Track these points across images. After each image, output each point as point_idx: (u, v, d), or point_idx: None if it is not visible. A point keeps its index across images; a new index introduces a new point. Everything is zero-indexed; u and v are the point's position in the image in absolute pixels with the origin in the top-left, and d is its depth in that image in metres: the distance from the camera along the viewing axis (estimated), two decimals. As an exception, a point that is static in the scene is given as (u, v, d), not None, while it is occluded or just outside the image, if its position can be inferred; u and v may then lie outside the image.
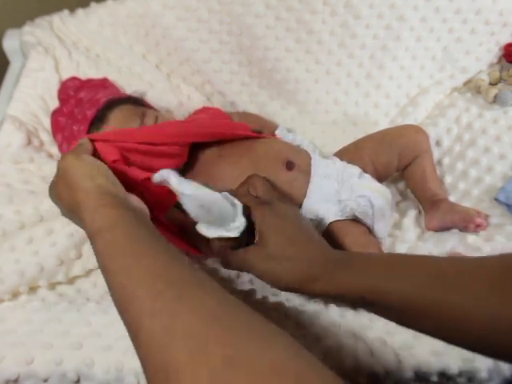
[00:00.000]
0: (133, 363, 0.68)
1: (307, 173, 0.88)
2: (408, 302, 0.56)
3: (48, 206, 0.85)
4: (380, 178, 0.93)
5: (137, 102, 0.96)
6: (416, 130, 0.95)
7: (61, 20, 1.14)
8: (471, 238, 0.89)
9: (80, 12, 1.15)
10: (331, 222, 0.85)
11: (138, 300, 0.49)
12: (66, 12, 1.16)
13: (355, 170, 0.91)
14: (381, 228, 0.88)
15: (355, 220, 0.86)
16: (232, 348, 0.43)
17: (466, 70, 1.10)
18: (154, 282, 0.49)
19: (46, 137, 1.01)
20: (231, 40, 1.10)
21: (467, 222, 0.89)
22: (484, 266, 0.54)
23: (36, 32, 1.11)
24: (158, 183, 0.63)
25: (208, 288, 0.51)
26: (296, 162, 0.88)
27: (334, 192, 0.87)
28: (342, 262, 0.63)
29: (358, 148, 0.95)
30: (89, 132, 0.92)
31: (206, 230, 0.68)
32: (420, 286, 0.55)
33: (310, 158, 0.91)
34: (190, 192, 0.63)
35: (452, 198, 0.96)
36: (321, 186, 0.86)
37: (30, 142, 0.96)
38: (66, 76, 1.07)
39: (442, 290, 0.53)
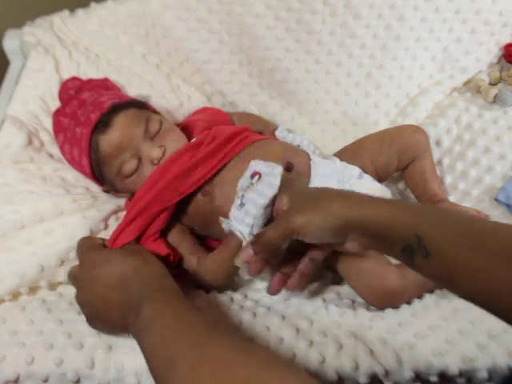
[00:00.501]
0: (133, 363, 0.68)
1: (306, 173, 0.88)
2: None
3: (48, 206, 0.85)
4: (380, 178, 0.93)
5: (141, 107, 0.95)
6: (416, 130, 0.95)
7: (61, 20, 1.13)
8: (471, 238, 0.89)
9: (80, 12, 1.15)
10: None
11: (181, 338, 0.57)
12: (66, 12, 1.16)
13: (355, 170, 0.91)
14: None
15: None
16: (249, 370, 0.50)
17: (465, 70, 1.10)
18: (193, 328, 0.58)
19: (46, 137, 1.00)
20: (231, 40, 1.10)
21: (467, 223, 0.89)
22: None
23: (36, 32, 1.11)
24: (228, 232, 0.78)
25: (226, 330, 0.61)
26: (295, 163, 0.87)
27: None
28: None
29: (357, 148, 0.95)
30: (92, 136, 0.90)
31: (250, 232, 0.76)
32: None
33: (310, 159, 0.91)
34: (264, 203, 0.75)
35: (452, 198, 0.96)
36: (320, 186, 0.86)
37: (30, 143, 0.96)
38: (66, 76, 1.06)
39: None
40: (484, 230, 0.55)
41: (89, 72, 1.09)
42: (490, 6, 1.05)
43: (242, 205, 0.78)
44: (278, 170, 0.78)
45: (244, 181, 0.81)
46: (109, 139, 0.89)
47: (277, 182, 0.77)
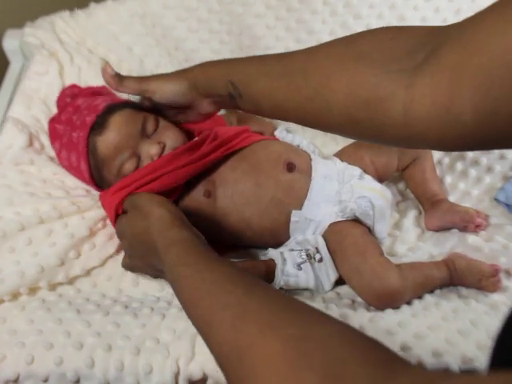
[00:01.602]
0: (133, 363, 0.69)
1: (308, 174, 0.88)
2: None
3: (47, 207, 0.85)
4: (380, 178, 0.93)
5: (136, 106, 0.92)
6: None
7: (63, 20, 1.13)
8: (471, 238, 0.89)
9: (80, 12, 1.15)
10: (331, 223, 0.85)
11: (210, 297, 0.56)
12: (66, 13, 1.16)
13: (356, 170, 0.91)
14: (381, 228, 0.88)
15: (355, 220, 0.86)
16: (300, 329, 0.47)
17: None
18: (224, 283, 0.57)
19: (46, 140, 0.99)
20: (231, 40, 1.10)
21: (467, 222, 0.89)
22: None
23: (38, 34, 1.11)
24: None
25: (265, 286, 0.58)
26: (296, 164, 0.88)
27: (335, 193, 0.87)
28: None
29: (358, 149, 0.95)
30: (88, 138, 0.88)
31: None
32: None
33: (311, 159, 0.91)
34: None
35: (452, 198, 0.96)
36: (321, 187, 0.87)
37: (31, 144, 0.96)
38: (68, 81, 1.06)
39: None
40: (273, 58, 0.69)
41: (89, 78, 1.07)
42: (469, 5, 1.05)
43: (299, 267, 0.82)
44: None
45: (306, 244, 0.85)
46: (106, 140, 0.87)
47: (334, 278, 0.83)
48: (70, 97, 0.99)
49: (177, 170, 0.84)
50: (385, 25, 1.03)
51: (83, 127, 0.88)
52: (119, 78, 0.85)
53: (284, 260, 0.82)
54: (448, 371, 0.66)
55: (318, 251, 0.85)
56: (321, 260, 0.84)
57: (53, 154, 0.99)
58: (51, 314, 0.75)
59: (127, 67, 1.10)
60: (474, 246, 0.88)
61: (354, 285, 0.80)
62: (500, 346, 0.41)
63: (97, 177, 0.91)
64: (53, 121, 0.97)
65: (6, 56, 1.19)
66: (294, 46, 1.07)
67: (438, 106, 0.49)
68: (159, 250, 0.68)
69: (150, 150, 0.87)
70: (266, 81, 0.67)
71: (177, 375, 0.68)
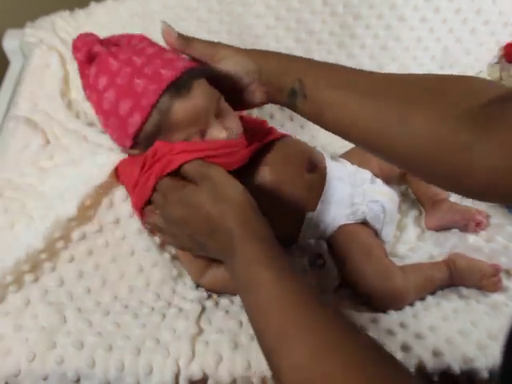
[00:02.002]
0: (133, 363, 0.68)
1: (324, 175, 0.86)
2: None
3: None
4: (385, 179, 0.93)
5: (210, 77, 0.79)
6: None
7: (63, 20, 1.13)
8: (471, 238, 0.89)
9: (80, 12, 1.15)
10: (341, 225, 0.85)
11: (290, 310, 0.54)
12: (66, 12, 1.16)
13: (367, 174, 0.90)
14: (388, 232, 0.88)
15: (364, 223, 0.86)
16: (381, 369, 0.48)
17: (466, 71, 1.10)
18: (308, 300, 0.56)
19: (60, 132, 0.95)
20: (231, 40, 1.09)
21: (467, 220, 0.89)
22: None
23: (38, 33, 1.10)
24: None
25: (344, 318, 0.56)
26: (316, 164, 0.86)
27: (348, 195, 0.86)
28: None
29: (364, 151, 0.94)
30: (162, 95, 0.73)
31: None
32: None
33: (325, 159, 0.89)
34: None
35: (452, 199, 0.96)
36: (335, 189, 0.85)
37: (47, 142, 0.94)
38: (72, 72, 1.05)
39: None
40: (350, 73, 0.67)
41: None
42: (490, 5, 1.05)
43: (304, 270, 0.83)
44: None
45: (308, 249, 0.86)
46: (185, 106, 0.74)
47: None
48: (118, 37, 0.83)
49: (243, 150, 0.78)
50: (385, 25, 1.04)
51: (157, 80, 0.73)
52: (186, 39, 0.76)
53: None
54: None
55: (320, 257, 0.85)
56: (323, 266, 0.84)
57: (68, 143, 0.93)
58: (53, 310, 0.75)
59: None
60: (474, 246, 0.88)
61: (357, 286, 0.80)
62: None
63: (145, 138, 0.76)
64: (107, 53, 0.77)
65: (6, 56, 1.18)
66: (294, 46, 1.07)
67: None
68: (234, 240, 0.63)
69: (219, 134, 0.77)
70: (338, 92, 0.64)
71: (177, 375, 0.67)
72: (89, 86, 0.79)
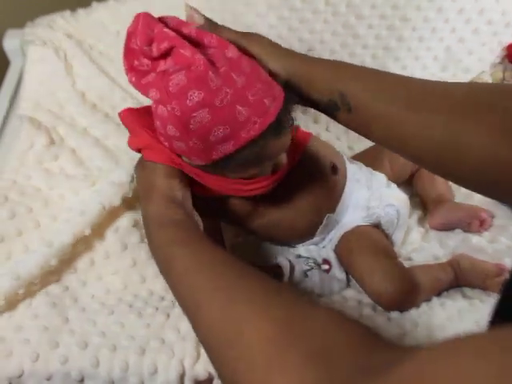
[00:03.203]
0: (137, 363, 0.68)
1: (345, 177, 0.85)
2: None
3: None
4: (396, 181, 0.93)
5: None
6: None
7: (64, 19, 1.13)
8: (475, 239, 0.89)
9: (81, 12, 1.14)
10: (354, 226, 0.85)
11: (200, 277, 0.55)
12: (67, 12, 1.16)
13: (382, 177, 0.90)
14: (398, 236, 0.89)
15: (376, 226, 0.86)
16: (289, 311, 0.47)
17: (468, 70, 1.10)
18: (216, 265, 0.56)
19: (64, 131, 0.96)
20: (233, 39, 1.09)
21: (471, 218, 0.89)
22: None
23: (38, 32, 1.10)
24: None
25: (257, 271, 0.56)
26: (338, 166, 0.84)
27: (364, 198, 0.86)
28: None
29: (377, 154, 0.94)
30: (264, 132, 0.64)
31: None
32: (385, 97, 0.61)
33: (344, 161, 0.87)
34: None
35: (455, 200, 0.96)
36: (352, 191, 0.85)
37: (52, 142, 0.94)
38: (72, 62, 1.04)
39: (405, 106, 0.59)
40: (398, 83, 0.62)
41: (85, 69, 1.07)
42: (493, 5, 1.05)
43: (305, 275, 0.83)
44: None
45: (315, 254, 0.86)
46: (281, 144, 0.69)
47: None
48: (213, 39, 0.66)
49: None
50: (387, 25, 1.04)
51: (261, 113, 0.63)
52: (214, 26, 0.71)
53: (292, 268, 0.82)
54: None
55: (325, 262, 0.84)
56: (328, 271, 0.84)
57: (74, 144, 0.94)
58: (57, 311, 0.74)
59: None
60: (477, 247, 0.88)
61: (365, 286, 0.80)
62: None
63: (224, 163, 0.67)
64: (206, 64, 0.61)
65: (6, 56, 1.18)
66: (296, 46, 1.07)
67: None
68: (150, 226, 0.66)
69: (284, 161, 0.73)
70: (390, 108, 0.60)
71: (182, 375, 0.67)
72: (167, 96, 0.63)
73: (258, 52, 0.67)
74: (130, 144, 0.73)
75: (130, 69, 0.67)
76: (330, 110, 0.65)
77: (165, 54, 0.64)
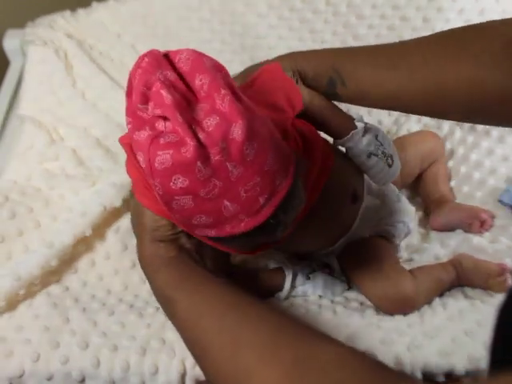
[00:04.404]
0: (138, 363, 0.68)
1: (362, 198, 0.81)
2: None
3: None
4: (402, 186, 0.93)
5: None
6: (433, 136, 0.97)
7: (63, 19, 1.13)
8: (475, 239, 0.89)
9: (81, 12, 1.14)
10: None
11: (203, 320, 0.54)
12: (67, 12, 1.16)
13: (393, 189, 0.87)
14: (402, 244, 0.89)
15: (384, 236, 0.85)
16: (298, 351, 0.46)
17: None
18: (218, 305, 0.56)
19: (64, 130, 0.96)
20: (233, 39, 1.09)
21: (472, 218, 0.89)
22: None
23: (39, 32, 1.10)
24: None
25: (260, 305, 0.55)
26: (359, 193, 0.80)
27: (377, 215, 0.84)
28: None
29: None
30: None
31: None
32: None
33: (363, 180, 0.82)
34: None
35: (456, 201, 0.96)
36: (367, 210, 0.82)
37: (52, 140, 0.94)
38: (72, 61, 1.04)
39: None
40: (384, 49, 0.70)
41: (85, 69, 1.07)
42: (493, 5, 1.05)
43: (307, 277, 0.82)
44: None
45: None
46: (275, 238, 0.60)
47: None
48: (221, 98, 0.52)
49: None
50: (387, 25, 1.04)
51: (254, 215, 0.55)
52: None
53: (294, 270, 0.82)
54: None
55: (326, 266, 0.85)
56: (330, 274, 0.84)
57: (74, 144, 0.94)
58: (57, 311, 0.74)
59: (130, 63, 1.10)
60: (478, 247, 0.88)
61: (367, 291, 0.80)
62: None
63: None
64: (196, 151, 0.50)
65: (6, 56, 1.18)
66: (296, 46, 1.07)
67: None
68: (147, 270, 0.64)
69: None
70: (375, 71, 0.66)
71: (183, 375, 0.67)
72: (151, 171, 0.53)
73: None
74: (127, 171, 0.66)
75: (131, 113, 0.55)
76: (330, 87, 0.70)
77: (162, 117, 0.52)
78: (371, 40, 1.05)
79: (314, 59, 0.71)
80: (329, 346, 0.47)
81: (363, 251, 0.82)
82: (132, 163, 0.62)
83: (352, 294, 0.83)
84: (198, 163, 0.50)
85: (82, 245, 0.83)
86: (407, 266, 0.83)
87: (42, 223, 0.83)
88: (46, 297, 0.77)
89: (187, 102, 0.52)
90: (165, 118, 0.52)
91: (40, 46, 1.04)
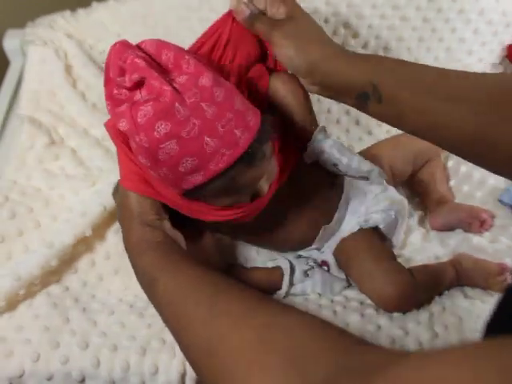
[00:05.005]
0: (138, 363, 0.68)
1: (342, 186, 0.85)
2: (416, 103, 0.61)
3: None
4: (395, 184, 0.93)
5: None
6: None
7: (63, 19, 1.13)
8: (475, 239, 0.89)
9: (81, 12, 1.14)
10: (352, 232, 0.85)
11: (181, 297, 0.57)
12: (67, 12, 1.16)
13: (378, 180, 0.87)
14: (397, 238, 0.88)
15: (375, 229, 0.85)
16: (267, 317, 0.49)
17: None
18: (195, 282, 0.58)
19: (64, 131, 0.96)
20: (234, 39, 1.09)
21: (472, 218, 0.89)
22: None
23: (39, 31, 1.10)
24: None
25: (234, 282, 0.59)
26: (337, 178, 0.84)
27: (361, 204, 0.86)
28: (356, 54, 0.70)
29: (376, 156, 0.92)
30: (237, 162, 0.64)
31: None
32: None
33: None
34: None
35: (456, 201, 0.96)
36: (350, 198, 0.86)
37: (53, 142, 0.94)
38: (71, 61, 1.04)
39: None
40: (435, 75, 0.62)
41: (85, 69, 1.07)
42: (493, 5, 1.04)
43: (306, 274, 0.83)
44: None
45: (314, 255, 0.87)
46: (254, 175, 0.67)
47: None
48: (189, 63, 0.62)
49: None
50: (387, 25, 1.04)
51: (231, 145, 0.62)
52: (251, 20, 0.73)
53: (292, 268, 0.82)
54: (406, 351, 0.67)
55: (324, 263, 0.85)
56: (328, 271, 0.84)
57: (74, 144, 0.94)
58: (57, 311, 0.74)
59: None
60: (478, 247, 0.88)
61: (366, 288, 0.80)
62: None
63: (195, 194, 0.68)
64: (172, 93, 0.59)
65: (6, 56, 1.18)
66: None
67: None
68: (132, 253, 0.68)
69: (264, 191, 0.71)
70: (420, 98, 0.60)
71: (183, 375, 0.67)
72: (135, 127, 0.61)
73: (280, 45, 0.69)
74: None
75: (109, 97, 0.64)
76: (360, 101, 0.65)
77: (138, 85, 0.61)
78: (371, 40, 1.05)
79: (342, 68, 0.65)
80: (294, 313, 0.50)
81: (358, 248, 0.82)
82: (118, 147, 0.70)
83: (352, 294, 0.83)
84: (176, 104, 0.59)
85: (82, 245, 0.83)
86: (407, 265, 0.83)
87: (42, 223, 0.83)
88: (46, 297, 0.77)
89: (159, 70, 0.61)
90: (141, 86, 0.61)
91: (40, 46, 1.04)
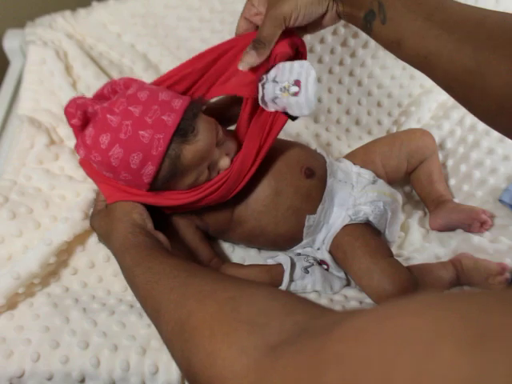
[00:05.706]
0: (138, 363, 0.68)
1: (324, 178, 0.86)
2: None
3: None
4: (390, 181, 0.93)
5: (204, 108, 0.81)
6: (424, 133, 0.95)
7: (64, 19, 1.13)
8: (476, 239, 0.89)
9: (82, 12, 1.14)
10: (344, 226, 0.85)
11: (158, 285, 0.60)
12: (67, 12, 1.15)
13: (368, 174, 0.90)
14: (392, 232, 0.88)
15: (367, 223, 0.85)
16: (232, 292, 0.52)
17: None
18: (171, 270, 0.61)
19: (64, 131, 0.96)
20: (234, 39, 1.09)
21: (472, 219, 0.89)
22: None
23: (39, 31, 1.10)
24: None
25: (208, 268, 0.65)
26: (314, 169, 0.85)
27: (349, 196, 0.86)
28: None
29: (368, 152, 0.94)
30: (171, 143, 0.73)
31: None
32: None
33: (325, 162, 0.88)
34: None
35: (456, 200, 0.96)
36: (336, 191, 0.86)
37: (52, 142, 0.94)
38: (71, 61, 1.04)
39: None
40: (436, 3, 0.62)
41: (86, 69, 1.06)
42: (494, 5, 1.04)
43: (306, 271, 0.84)
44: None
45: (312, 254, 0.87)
46: (196, 149, 0.75)
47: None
48: (122, 85, 0.79)
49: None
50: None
51: (162, 128, 0.72)
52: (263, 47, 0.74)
53: (292, 265, 0.83)
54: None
55: (323, 262, 0.85)
56: (327, 270, 0.84)
57: (73, 144, 0.95)
58: (58, 311, 0.74)
59: (129, 62, 1.10)
60: (478, 247, 0.88)
61: (364, 286, 0.80)
62: None
63: (161, 182, 0.77)
64: (103, 110, 0.74)
65: (6, 56, 1.18)
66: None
67: None
68: (116, 255, 0.72)
69: (223, 164, 0.79)
70: (424, 23, 0.60)
71: (183, 375, 0.67)
72: (87, 149, 0.76)
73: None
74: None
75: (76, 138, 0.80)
76: (367, 21, 0.67)
77: (84, 123, 0.77)
78: (371, 40, 1.04)
79: None
80: (260, 287, 0.54)
81: (353, 245, 0.83)
82: (91, 175, 0.81)
83: (351, 293, 0.83)
84: (108, 116, 0.73)
85: (79, 241, 0.84)
86: (406, 264, 0.83)
87: (42, 224, 0.83)
88: (46, 297, 0.77)
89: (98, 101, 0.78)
90: (86, 122, 0.77)
91: (40, 46, 1.04)
